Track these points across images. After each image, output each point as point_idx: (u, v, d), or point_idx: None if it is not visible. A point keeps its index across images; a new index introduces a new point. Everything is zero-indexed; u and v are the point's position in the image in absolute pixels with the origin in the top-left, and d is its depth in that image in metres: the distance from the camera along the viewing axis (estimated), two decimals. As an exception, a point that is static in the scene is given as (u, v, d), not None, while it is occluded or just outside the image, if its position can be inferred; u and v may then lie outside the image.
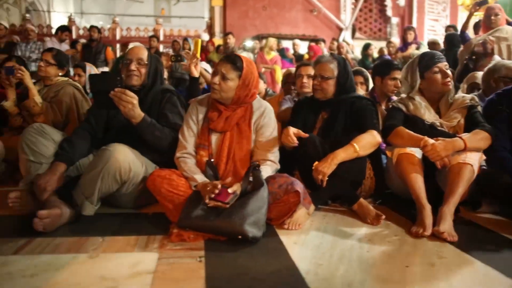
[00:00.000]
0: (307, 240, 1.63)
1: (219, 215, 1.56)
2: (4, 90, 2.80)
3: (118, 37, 9.39)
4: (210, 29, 9.93)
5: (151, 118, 1.92)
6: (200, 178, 1.75)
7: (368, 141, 1.93)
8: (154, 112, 2.05)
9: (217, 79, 1.81)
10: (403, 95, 2.26)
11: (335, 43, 6.69)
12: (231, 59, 1.83)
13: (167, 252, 1.45)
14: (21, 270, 1.28)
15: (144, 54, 2.09)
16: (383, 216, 1.82)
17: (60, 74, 2.79)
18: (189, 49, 6.74)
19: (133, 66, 2.05)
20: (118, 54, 8.36)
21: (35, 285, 1.19)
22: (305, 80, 2.68)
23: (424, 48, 5.88)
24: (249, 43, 8.18)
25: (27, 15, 10.04)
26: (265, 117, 1.91)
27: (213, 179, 1.77)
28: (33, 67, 5.23)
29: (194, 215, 1.59)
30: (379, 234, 1.73)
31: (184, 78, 5.10)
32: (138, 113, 1.84)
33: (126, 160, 1.75)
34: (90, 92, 3.29)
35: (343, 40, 7.78)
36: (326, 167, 1.82)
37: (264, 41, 7.88)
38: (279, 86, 6.07)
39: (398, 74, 2.70)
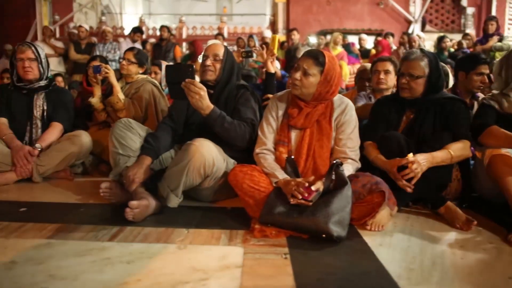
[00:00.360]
0: (393, 242, 1.56)
1: (302, 213, 1.55)
2: (91, 87, 3.01)
3: (184, 35, 9.71)
4: (273, 25, 9.92)
5: (221, 111, 1.93)
6: (281, 174, 1.74)
7: (462, 153, 1.85)
8: (230, 107, 2.09)
9: (298, 75, 1.79)
10: (495, 92, 2.08)
11: (406, 37, 6.36)
12: (313, 54, 1.80)
13: (251, 247, 1.46)
14: (118, 256, 1.36)
15: (220, 51, 2.14)
16: (475, 222, 1.69)
17: (140, 72, 2.94)
18: (254, 46, 6.80)
19: (208, 62, 2.11)
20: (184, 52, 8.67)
21: (132, 271, 1.26)
22: (382, 76, 2.57)
23: (508, 40, 5.41)
24: (313, 39, 8.06)
25: (103, 17, 10.74)
26: (346, 114, 1.86)
27: (293, 176, 1.75)
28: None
29: (276, 212, 1.59)
30: (471, 240, 1.61)
31: (251, 75, 5.16)
32: (206, 105, 1.86)
33: (211, 155, 1.80)
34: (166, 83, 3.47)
35: (416, 34, 7.38)
36: (424, 164, 1.73)
37: (328, 37, 7.73)
38: (345, 82, 5.92)
39: (485, 69, 2.50)
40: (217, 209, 1.95)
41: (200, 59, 2.21)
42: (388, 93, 2.58)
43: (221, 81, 2.13)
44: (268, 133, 1.93)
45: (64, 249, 1.42)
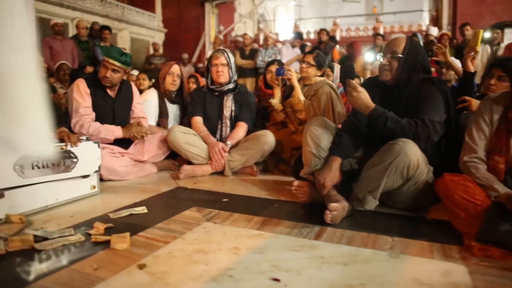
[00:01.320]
0: None
1: (540, 235, 1.31)
2: (269, 90, 3.19)
3: (338, 38, 9.67)
4: (435, 21, 9.10)
5: (384, 110, 1.81)
6: (501, 187, 1.52)
7: None
8: (412, 104, 1.90)
9: (530, 73, 1.54)
10: None
11: None
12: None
13: (476, 266, 1.30)
14: (332, 256, 1.37)
15: (400, 47, 1.95)
16: None
17: (318, 74, 2.99)
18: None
19: (384, 60, 1.98)
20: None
21: (352, 274, 1.24)
22: None
23: None
24: (486, 34, 7.09)
25: (261, 25, 11.50)
26: None
27: (517, 190, 1.51)
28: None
29: (501, 230, 1.39)
30: None
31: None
32: (364, 105, 1.81)
33: (416, 156, 1.69)
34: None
35: None
36: None
37: (507, 30, 6.67)
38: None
39: None
40: (414, 218, 1.82)
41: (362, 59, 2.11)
42: None
43: (400, 80, 1.96)
44: (478, 140, 1.71)
45: (277, 242, 1.50)
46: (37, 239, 1.49)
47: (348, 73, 1.87)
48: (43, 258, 1.35)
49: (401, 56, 1.95)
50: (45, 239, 1.51)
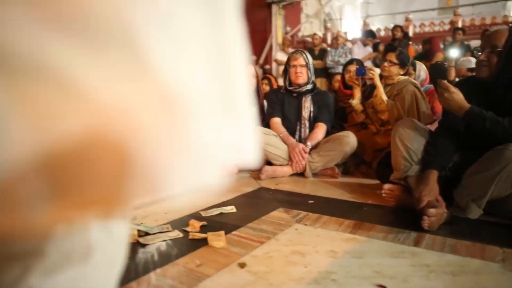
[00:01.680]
0: None
1: None
2: (348, 90, 3.12)
3: (411, 33, 9.20)
4: (525, 12, 8.29)
5: (481, 110, 1.67)
6: None
7: None
8: None
9: None
10: None
11: None
12: None
13: None
14: (437, 265, 1.29)
15: (501, 40, 1.77)
16: None
17: (401, 73, 2.86)
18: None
19: (483, 56, 1.82)
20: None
21: (465, 286, 1.16)
22: None
23: None
24: None
25: (328, 24, 11.32)
26: None
27: None
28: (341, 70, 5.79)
29: None
30: None
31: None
32: (458, 105, 1.70)
33: (531, 162, 1.55)
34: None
35: None
36: None
37: None
38: None
39: None
40: (523, 229, 1.67)
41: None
42: None
43: (502, 77, 1.78)
44: None
45: (374, 247, 1.45)
46: (140, 233, 1.59)
47: (439, 72, 1.76)
48: (148, 252, 1.44)
49: (502, 50, 1.80)
50: (147, 234, 1.60)
